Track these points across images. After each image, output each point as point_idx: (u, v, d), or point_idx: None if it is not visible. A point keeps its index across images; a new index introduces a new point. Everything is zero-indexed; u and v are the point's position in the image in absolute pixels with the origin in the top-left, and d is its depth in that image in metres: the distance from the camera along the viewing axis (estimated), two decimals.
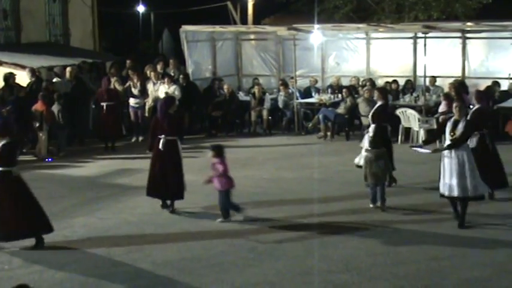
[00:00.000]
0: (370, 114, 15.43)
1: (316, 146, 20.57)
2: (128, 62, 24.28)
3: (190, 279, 10.22)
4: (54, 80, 21.69)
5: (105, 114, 20.72)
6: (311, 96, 24.01)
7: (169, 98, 16.13)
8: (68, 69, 21.90)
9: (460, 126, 12.29)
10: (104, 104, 20.73)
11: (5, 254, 11.43)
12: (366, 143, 14.26)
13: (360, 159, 14.63)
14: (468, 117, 12.90)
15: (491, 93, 20.12)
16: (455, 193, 12.23)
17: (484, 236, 11.92)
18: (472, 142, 13.50)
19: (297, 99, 23.26)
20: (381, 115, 15.31)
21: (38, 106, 19.50)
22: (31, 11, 27.42)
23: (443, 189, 12.42)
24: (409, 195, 14.70)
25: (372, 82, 22.95)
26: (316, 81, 24.88)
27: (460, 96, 20.61)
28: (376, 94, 16.15)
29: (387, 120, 15.70)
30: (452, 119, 12.56)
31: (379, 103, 15.60)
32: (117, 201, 14.75)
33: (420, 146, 14.19)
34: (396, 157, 15.59)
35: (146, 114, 22.02)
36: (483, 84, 21.64)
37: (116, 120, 21.11)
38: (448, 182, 12.26)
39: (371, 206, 13.68)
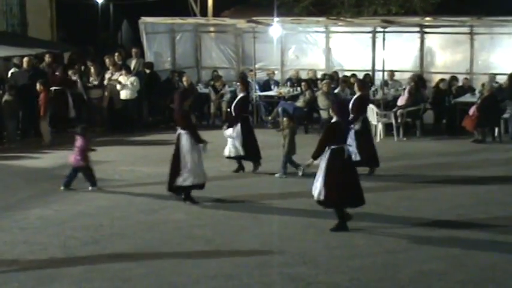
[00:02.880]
0: (350, 106, 15.37)
1: (275, 138, 20.55)
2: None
3: (146, 271, 10.16)
4: (12, 70, 21.43)
5: (54, 98, 20.74)
6: (270, 90, 24.03)
7: (185, 91, 16.25)
8: (25, 59, 21.68)
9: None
10: (52, 89, 20.87)
11: None
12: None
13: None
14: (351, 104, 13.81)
15: (369, 82, 21.10)
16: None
17: (439, 230, 12.00)
18: (358, 125, 15.38)
19: (256, 92, 23.25)
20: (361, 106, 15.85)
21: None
22: None
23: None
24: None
25: (331, 76, 23.05)
26: (274, 74, 24.90)
27: (417, 89, 20.93)
28: (356, 85, 16.59)
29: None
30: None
31: (358, 94, 16.02)
32: (74, 193, 14.61)
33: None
34: None
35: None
36: (437, 79, 21.96)
37: (64, 105, 21.26)
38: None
39: None
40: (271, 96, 23.35)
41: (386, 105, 21.44)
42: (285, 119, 16.28)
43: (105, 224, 12.39)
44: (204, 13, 36.95)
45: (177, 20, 25.99)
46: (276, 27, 23.39)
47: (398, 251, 10.92)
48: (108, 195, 14.43)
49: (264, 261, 10.51)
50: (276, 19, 23.73)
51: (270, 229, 12.07)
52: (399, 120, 20.48)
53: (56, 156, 18.45)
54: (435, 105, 21.61)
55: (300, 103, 21.96)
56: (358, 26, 24.68)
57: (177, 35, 26.39)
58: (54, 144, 19.77)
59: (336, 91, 21.61)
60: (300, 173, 15.38)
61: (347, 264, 10.40)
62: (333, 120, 11.99)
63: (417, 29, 23.81)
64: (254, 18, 24.07)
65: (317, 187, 11.85)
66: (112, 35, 43.34)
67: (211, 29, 27.63)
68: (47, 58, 22.24)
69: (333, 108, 12.29)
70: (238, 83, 17.16)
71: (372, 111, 20.38)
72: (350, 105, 15.27)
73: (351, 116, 14.97)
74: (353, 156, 13.82)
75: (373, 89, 22.45)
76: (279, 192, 14.46)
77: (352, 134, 15.04)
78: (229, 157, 16.24)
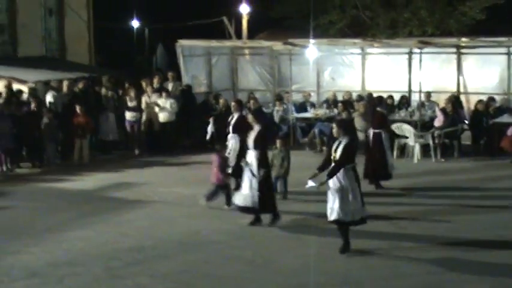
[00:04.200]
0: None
1: (312, 159, 20.57)
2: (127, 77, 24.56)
3: None
4: (51, 93, 21.69)
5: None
6: (306, 111, 24.09)
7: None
8: (65, 83, 21.97)
9: (340, 148, 11.81)
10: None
11: (3, 266, 11.43)
12: None
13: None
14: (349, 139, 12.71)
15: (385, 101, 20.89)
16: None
17: (481, 251, 11.95)
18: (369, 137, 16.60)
19: (292, 113, 23.33)
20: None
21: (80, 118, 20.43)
22: (28, 25, 27.50)
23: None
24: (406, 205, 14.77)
25: (368, 97, 23.06)
26: (310, 96, 24.96)
27: (454, 110, 20.87)
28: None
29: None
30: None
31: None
32: (115, 215, 14.76)
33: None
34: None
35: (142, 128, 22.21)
36: (476, 100, 21.85)
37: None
38: (331, 205, 11.81)
39: None
40: (308, 118, 23.39)
41: (424, 126, 21.39)
42: (278, 140, 16.12)
43: (147, 245, 12.48)
44: (238, 36, 37.16)
45: (214, 43, 26.21)
46: (312, 49, 23.47)
47: (440, 272, 10.87)
48: (149, 216, 14.57)
49: (306, 282, 10.53)
50: (312, 41, 23.80)
51: (311, 249, 12.07)
52: (437, 141, 20.43)
53: (95, 179, 18.66)
54: (473, 126, 21.53)
55: None
56: (395, 47, 24.68)
57: (214, 58, 26.59)
58: (92, 165, 20.06)
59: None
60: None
61: (390, 284, 10.39)
62: (346, 140, 11.79)
63: (454, 49, 23.77)
64: (290, 40, 24.18)
65: (335, 208, 11.67)
66: (147, 58, 43.73)
67: (247, 51, 27.78)
68: (80, 84, 22.45)
69: (339, 129, 11.93)
70: (233, 103, 17.15)
71: (409, 132, 20.37)
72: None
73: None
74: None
75: (410, 110, 22.43)
76: (316, 212, 14.42)
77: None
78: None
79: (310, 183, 11.83)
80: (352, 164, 11.75)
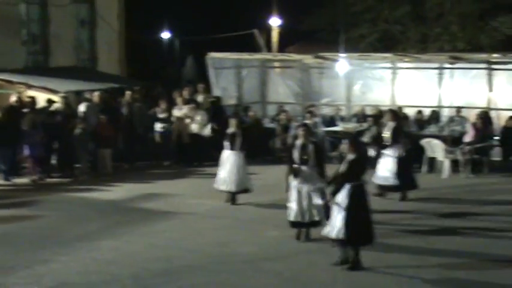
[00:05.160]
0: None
1: None
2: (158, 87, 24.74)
3: None
4: (83, 104, 21.86)
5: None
6: (335, 125, 24.06)
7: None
8: (96, 93, 22.12)
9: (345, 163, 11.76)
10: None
11: (34, 275, 11.52)
12: None
13: None
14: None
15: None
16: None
17: None
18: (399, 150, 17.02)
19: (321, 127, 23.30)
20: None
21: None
22: (60, 35, 27.77)
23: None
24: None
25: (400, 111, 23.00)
26: (340, 110, 24.91)
27: (485, 126, 20.77)
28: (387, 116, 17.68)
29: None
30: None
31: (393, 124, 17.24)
32: (144, 225, 14.83)
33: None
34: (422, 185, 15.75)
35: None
36: (507, 116, 21.72)
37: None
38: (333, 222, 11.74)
39: None
40: (337, 132, 23.35)
41: (454, 141, 21.30)
42: None
43: (176, 256, 12.52)
44: (268, 49, 37.26)
45: (244, 56, 26.29)
46: (343, 63, 23.46)
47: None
48: (178, 227, 14.63)
49: None
50: (342, 55, 23.80)
51: (339, 263, 12.05)
52: (466, 157, 20.34)
53: (124, 189, 18.78)
54: (503, 142, 21.41)
55: (366, 138, 21.92)
56: (425, 62, 24.60)
57: (244, 70, 26.66)
58: (121, 176, 20.26)
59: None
60: None
61: None
62: (352, 157, 11.68)
63: (484, 65, 23.64)
64: (321, 53, 24.19)
65: (335, 225, 11.57)
66: (177, 70, 43.94)
67: (277, 64, 27.81)
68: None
69: (350, 145, 11.88)
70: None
71: (438, 147, 20.30)
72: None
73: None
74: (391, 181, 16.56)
75: (439, 125, 22.34)
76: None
77: (393, 160, 16.83)
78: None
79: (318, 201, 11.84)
80: (357, 182, 11.60)
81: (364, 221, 11.59)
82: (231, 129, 16.56)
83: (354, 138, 12.60)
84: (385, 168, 17.10)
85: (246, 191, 16.61)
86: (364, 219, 11.58)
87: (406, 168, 17.12)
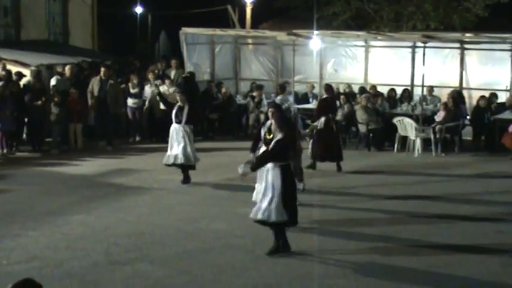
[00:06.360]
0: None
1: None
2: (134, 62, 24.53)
3: (188, 279, 10.25)
4: (55, 78, 21.70)
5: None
6: (308, 102, 24.08)
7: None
8: (67, 67, 21.95)
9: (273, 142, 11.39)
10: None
11: (3, 249, 11.46)
12: None
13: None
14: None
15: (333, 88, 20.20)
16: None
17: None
18: (320, 123, 17.68)
19: (293, 104, 23.31)
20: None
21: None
22: (31, 8, 27.51)
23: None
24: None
25: (374, 90, 23.08)
26: (313, 87, 24.92)
27: (456, 105, 20.88)
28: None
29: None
30: (267, 124, 12.02)
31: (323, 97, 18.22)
32: (115, 200, 14.79)
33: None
34: (393, 166, 15.69)
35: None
36: (478, 96, 21.84)
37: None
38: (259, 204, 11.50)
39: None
40: (310, 109, 23.36)
41: (425, 120, 21.40)
42: None
43: (147, 232, 12.50)
44: (242, 25, 37.15)
45: (218, 32, 26.18)
46: (316, 40, 23.41)
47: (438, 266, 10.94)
48: (149, 202, 14.60)
49: (305, 272, 10.55)
50: (316, 32, 23.76)
51: (311, 240, 12.10)
52: (438, 136, 20.44)
53: (96, 164, 18.71)
54: (474, 122, 21.54)
55: (338, 116, 21.96)
56: (398, 41, 24.63)
57: (217, 47, 26.57)
58: (92, 151, 20.17)
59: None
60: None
61: (391, 277, 10.40)
62: (279, 136, 11.26)
63: (457, 45, 23.72)
64: (294, 31, 24.14)
65: (265, 207, 11.21)
66: (150, 45, 43.71)
67: (251, 41, 27.75)
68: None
69: (277, 124, 11.41)
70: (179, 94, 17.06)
71: (410, 126, 20.38)
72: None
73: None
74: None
75: (412, 104, 22.42)
76: (318, 204, 14.46)
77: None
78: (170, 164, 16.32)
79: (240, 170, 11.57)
80: (282, 162, 11.21)
81: (288, 201, 11.24)
82: (179, 103, 16.38)
83: (280, 116, 12.10)
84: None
85: (191, 167, 16.35)
86: (288, 199, 11.23)
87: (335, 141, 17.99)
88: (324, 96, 18.36)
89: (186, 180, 16.21)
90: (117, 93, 21.16)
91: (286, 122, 11.72)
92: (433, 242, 12.06)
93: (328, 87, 18.57)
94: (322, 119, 17.74)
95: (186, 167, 16.24)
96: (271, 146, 11.29)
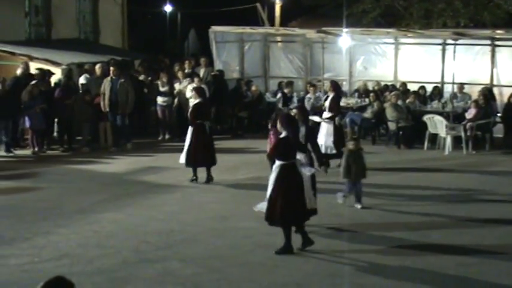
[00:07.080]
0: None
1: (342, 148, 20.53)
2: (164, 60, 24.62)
3: (218, 277, 10.26)
4: (84, 76, 21.80)
5: None
6: None
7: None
8: (98, 66, 22.03)
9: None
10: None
11: (34, 246, 11.54)
12: None
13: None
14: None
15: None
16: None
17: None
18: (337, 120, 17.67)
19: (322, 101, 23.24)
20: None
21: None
22: (62, 7, 27.64)
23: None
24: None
25: (404, 87, 22.97)
26: (342, 85, 24.82)
27: (487, 103, 20.72)
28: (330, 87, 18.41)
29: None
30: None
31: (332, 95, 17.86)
32: (145, 198, 14.85)
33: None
34: (423, 163, 15.60)
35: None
36: (509, 93, 21.66)
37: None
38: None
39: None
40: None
41: (456, 118, 21.27)
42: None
43: (177, 230, 12.53)
44: (271, 23, 37.13)
45: (247, 30, 26.21)
46: (346, 38, 23.37)
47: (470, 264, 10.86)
48: (179, 200, 14.64)
49: (335, 271, 10.52)
50: (345, 30, 23.70)
51: (341, 240, 12.07)
52: (468, 134, 20.30)
53: (126, 162, 18.80)
54: (505, 119, 21.37)
55: (367, 114, 21.92)
56: (428, 38, 24.51)
57: (246, 45, 26.60)
58: (122, 149, 20.28)
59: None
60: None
61: (419, 276, 10.34)
62: (282, 135, 11.25)
63: (488, 41, 23.56)
64: (324, 28, 24.09)
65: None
66: (179, 43, 43.82)
67: (280, 38, 27.74)
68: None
69: (281, 122, 11.33)
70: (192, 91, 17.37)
71: (441, 124, 20.26)
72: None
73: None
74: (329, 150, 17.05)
75: (442, 101, 22.29)
76: (343, 203, 14.40)
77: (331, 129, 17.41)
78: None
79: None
80: (284, 161, 11.15)
81: (291, 202, 11.17)
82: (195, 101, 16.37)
83: (284, 115, 12.06)
84: (324, 136, 17.53)
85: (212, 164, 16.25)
86: (291, 200, 11.17)
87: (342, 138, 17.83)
88: (332, 94, 18.00)
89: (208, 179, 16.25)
90: (128, 93, 20.54)
91: (292, 121, 11.59)
92: (465, 244, 12.00)
93: (336, 86, 18.44)
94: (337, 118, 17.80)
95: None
96: (273, 143, 11.40)
